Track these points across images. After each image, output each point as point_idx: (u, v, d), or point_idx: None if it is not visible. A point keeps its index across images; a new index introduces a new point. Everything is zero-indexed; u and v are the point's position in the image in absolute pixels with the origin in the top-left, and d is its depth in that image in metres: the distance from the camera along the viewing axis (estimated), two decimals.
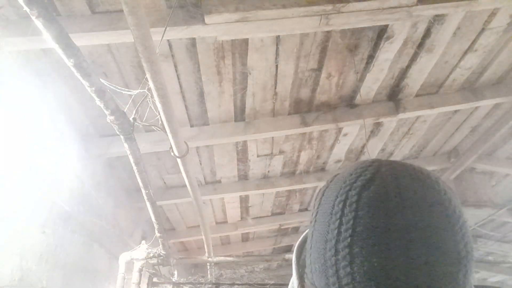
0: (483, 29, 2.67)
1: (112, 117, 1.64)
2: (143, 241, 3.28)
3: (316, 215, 0.53)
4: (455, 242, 0.44)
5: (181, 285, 3.08)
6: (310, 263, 0.51)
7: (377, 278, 0.41)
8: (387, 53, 2.73)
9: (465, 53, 2.88)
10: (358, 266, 0.42)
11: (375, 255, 0.42)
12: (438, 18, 2.51)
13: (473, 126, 3.88)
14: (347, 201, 0.47)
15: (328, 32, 2.49)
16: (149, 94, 1.86)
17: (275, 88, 2.92)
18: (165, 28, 1.86)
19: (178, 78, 2.67)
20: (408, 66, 2.94)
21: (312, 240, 0.52)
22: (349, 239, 0.44)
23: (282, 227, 5.88)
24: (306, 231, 0.59)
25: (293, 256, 0.59)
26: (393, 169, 0.49)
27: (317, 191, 4.85)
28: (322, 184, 4.39)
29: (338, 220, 0.46)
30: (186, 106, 2.96)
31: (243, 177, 4.20)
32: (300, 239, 0.62)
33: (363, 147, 3.95)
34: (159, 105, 1.86)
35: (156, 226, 2.65)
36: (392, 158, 4.30)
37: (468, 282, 0.44)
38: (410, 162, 0.54)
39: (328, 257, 0.46)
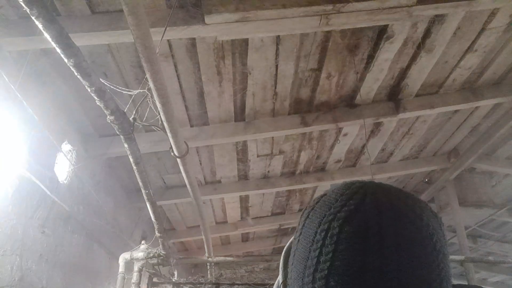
0: (483, 29, 2.67)
1: (112, 117, 1.64)
2: (143, 241, 3.28)
3: (299, 236, 0.54)
4: (431, 279, 0.45)
5: (181, 285, 3.08)
6: (291, 277, 0.54)
7: None
8: (387, 53, 2.73)
9: (465, 53, 2.88)
10: None
11: None
12: (438, 18, 2.51)
13: (473, 126, 3.88)
14: (329, 232, 0.48)
15: (328, 32, 2.49)
16: (149, 94, 1.85)
17: (275, 88, 2.91)
18: (165, 28, 1.86)
19: (178, 78, 2.67)
20: (408, 66, 2.93)
21: (294, 258, 0.54)
22: (326, 271, 0.46)
23: (282, 227, 5.89)
24: (292, 238, 0.60)
25: (281, 260, 0.62)
26: (377, 201, 0.50)
27: (317, 191, 4.86)
28: (322, 184, 4.40)
29: (319, 250, 0.48)
30: (186, 106, 2.96)
31: (243, 177, 4.20)
32: (287, 245, 0.64)
33: (363, 147, 3.95)
34: (159, 105, 1.85)
35: (156, 226, 2.65)
36: (392, 158, 4.31)
37: None
38: (398, 188, 0.54)
39: (306, 282, 0.48)
